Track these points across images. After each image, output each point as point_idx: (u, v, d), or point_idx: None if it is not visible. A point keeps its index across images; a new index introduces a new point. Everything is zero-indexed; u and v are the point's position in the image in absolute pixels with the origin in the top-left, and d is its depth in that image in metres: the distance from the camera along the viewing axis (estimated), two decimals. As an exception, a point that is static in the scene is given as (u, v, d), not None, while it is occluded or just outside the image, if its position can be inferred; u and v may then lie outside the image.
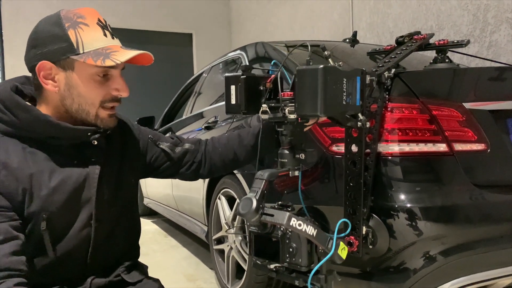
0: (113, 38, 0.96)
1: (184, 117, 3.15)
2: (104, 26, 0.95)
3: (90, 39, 0.91)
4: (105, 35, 0.94)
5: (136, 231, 1.16)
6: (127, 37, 6.77)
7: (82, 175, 0.98)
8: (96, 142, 0.99)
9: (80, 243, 0.98)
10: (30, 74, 0.99)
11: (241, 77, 0.95)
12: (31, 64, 0.94)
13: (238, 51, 2.36)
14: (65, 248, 0.96)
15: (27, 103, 0.95)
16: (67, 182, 0.95)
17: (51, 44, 0.91)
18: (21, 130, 0.93)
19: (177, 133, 3.08)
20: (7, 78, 5.90)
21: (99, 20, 0.95)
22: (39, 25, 0.95)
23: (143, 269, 1.16)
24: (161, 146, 1.18)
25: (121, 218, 1.08)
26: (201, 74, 3.12)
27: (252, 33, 6.27)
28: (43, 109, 0.97)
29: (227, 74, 0.97)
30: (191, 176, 1.24)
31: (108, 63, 0.89)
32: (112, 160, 1.05)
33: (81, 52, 0.90)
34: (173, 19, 6.87)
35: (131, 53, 0.92)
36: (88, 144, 0.99)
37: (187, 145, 1.21)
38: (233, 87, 0.97)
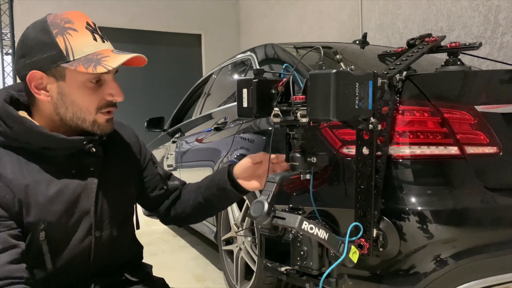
0: (103, 41, 0.92)
1: (193, 118, 3.16)
2: (93, 30, 0.92)
3: (80, 45, 0.88)
4: (94, 39, 0.90)
5: (134, 238, 1.17)
6: (136, 37, 6.84)
7: (80, 186, 0.96)
8: (94, 150, 0.98)
9: (82, 253, 0.98)
10: None
11: (253, 80, 0.95)
12: (21, 74, 0.91)
13: (248, 53, 2.36)
14: (66, 258, 0.96)
15: (21, 113, 0.93)
16: (64, 192, 0.93)
17: (39, 52, 0.88)
18: (15, 141, 0.91)
19: (187, 134, 3.10)
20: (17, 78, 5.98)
21: (87, 23, 0.91)
22: (26, 33, 0.91)
23: (146, 268, 1.16)
24: (158, 170, 1.18)
25: (123, 225, 1.07)
26: (211, 75, 3.14)
27: (261, 34, 6.28)
28: (37, 118, 0.95)
29: (239, 78, 0.97)
30: (163, 215, 1.22)
31: (100, 69, 0.87)
32: (112, 169, 1.04)
33: (71, 59, 0.87)
34: (182, 20, 6.90)
35: (122, 58, 0.89)
36: (85, 152, 0.97)
37: (177, 182, 1.21)
38: (245, 91, 0.97)
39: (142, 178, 1.16)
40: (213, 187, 1.13)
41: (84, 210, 0.97)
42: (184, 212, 1.19)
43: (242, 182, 1.09)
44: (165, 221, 1.25)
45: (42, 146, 0.92)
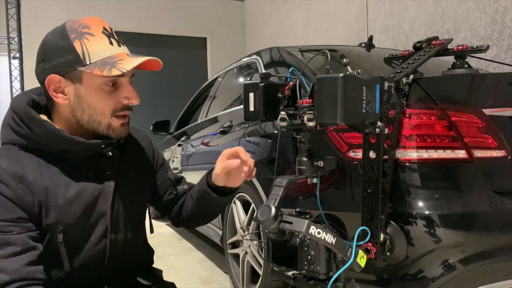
0: (119, 45, 0.95)
1: (199, 121, 3.17)
2: (110, 35, 0.94)
3: (96, 48, 0.90)
4: (111, 43, 0.93)
5: (146, 242, 1.18)
6: (142, 41, 6.87)
7: (97, 189, 0.98)
8: (110, 154, 1.00)
9: (97, 254, 0.99)
10: None
11: (260, 84, 0.95)
12: (41, 78, 0.94)
13: (254, 56, 2.37)
14: (82, 259, 0.97)
15: (42, 116, 0.95)
16: (82, 195, 0.95)
17: (58, 57, 0.91)
18: (36, 143, 0.93)
19: (192, 137, 3.11)
20: (26, 81, 6.04)
21: (104, 28, 0.94)
22: (45, 38, 0.94)
23: (157, 272, 1.17)
24: (169, 174, 1.19)
25: (137, 229, 1.09)
26: (216, 78, 3.15)
27: (266, 36, 6.28)
28: (56, 121, 0.97)
29: (246, 82, 0.98)
30: (174, 219, 1.23)
31: (115, 72, 0.88)
32: (128, 172, 1.05)
33: (88, 62, 0.90)
34: (187, 23, 6.94)
35: (137, 61, 0.91)
36: (102, 155, 0.99)
37: (185, 187, 1.22)
38: (251, 95, 0.97)
39: (155, 181, 1.18)
40: (200, 197, 1.14)
41: (101, 213, 0.98)
42: (188, 216, 1.20)
43: (229, 184, 1.10)
44: (176, 224, 1.26)
45: (61, 149, 0.94)
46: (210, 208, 1.17)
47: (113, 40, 0.94)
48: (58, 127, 0.94)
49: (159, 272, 1.18)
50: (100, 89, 0.92)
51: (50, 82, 0.92)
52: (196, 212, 1.17)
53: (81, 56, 0.90)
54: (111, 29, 0.96)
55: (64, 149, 0.94)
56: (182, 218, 1.22)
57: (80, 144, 0.94)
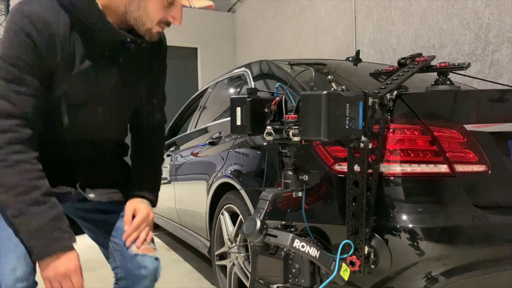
0: None
1: (188, 131, 3.17)
2: None
3: None
4: None
5: (126, 130, 1.32)
6: (133, 50, 6.88)
7: (105, 67, 1.09)
8: (132, 46, 1.09)
9: (83, 119, 1.11)
10: None
11: (247, 99, 0.97)
12: None
13: (243, 68, 2.39)
14: (75, 121, 1.09)
15: None
16: (92, 69, 1.05)
17: None
18: (74, 8, 1.00)
19: (182, 147, 3.11)
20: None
21: None
22: None
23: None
24: (151, 100, 1.29)
25: (121, 120, 1.22)
26: (206, 89, 3.16)
27: (257, 49, 6.34)
28: (104, 1, 1.05)
29: (233, 96, 0.99)
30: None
31: None
32: (135, 69, 1.16)
33: None
34: (178, 33, 6.96)
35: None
36: (123, 45, 1.09)
37: (147, 124, 1.32)
38: (238, 109, 0.99)
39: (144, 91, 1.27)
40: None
41: (100, 89, 1.09)
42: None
43: None
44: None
45: (94, 24, 1.02)
46: None
47: None
48: (101, 8, 1.02)
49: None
50: (160, 0, 1.03)
51: None
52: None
53: None
54: None
55: (96, 26, 1.02)
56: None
57: (112, 29, 1.03)
